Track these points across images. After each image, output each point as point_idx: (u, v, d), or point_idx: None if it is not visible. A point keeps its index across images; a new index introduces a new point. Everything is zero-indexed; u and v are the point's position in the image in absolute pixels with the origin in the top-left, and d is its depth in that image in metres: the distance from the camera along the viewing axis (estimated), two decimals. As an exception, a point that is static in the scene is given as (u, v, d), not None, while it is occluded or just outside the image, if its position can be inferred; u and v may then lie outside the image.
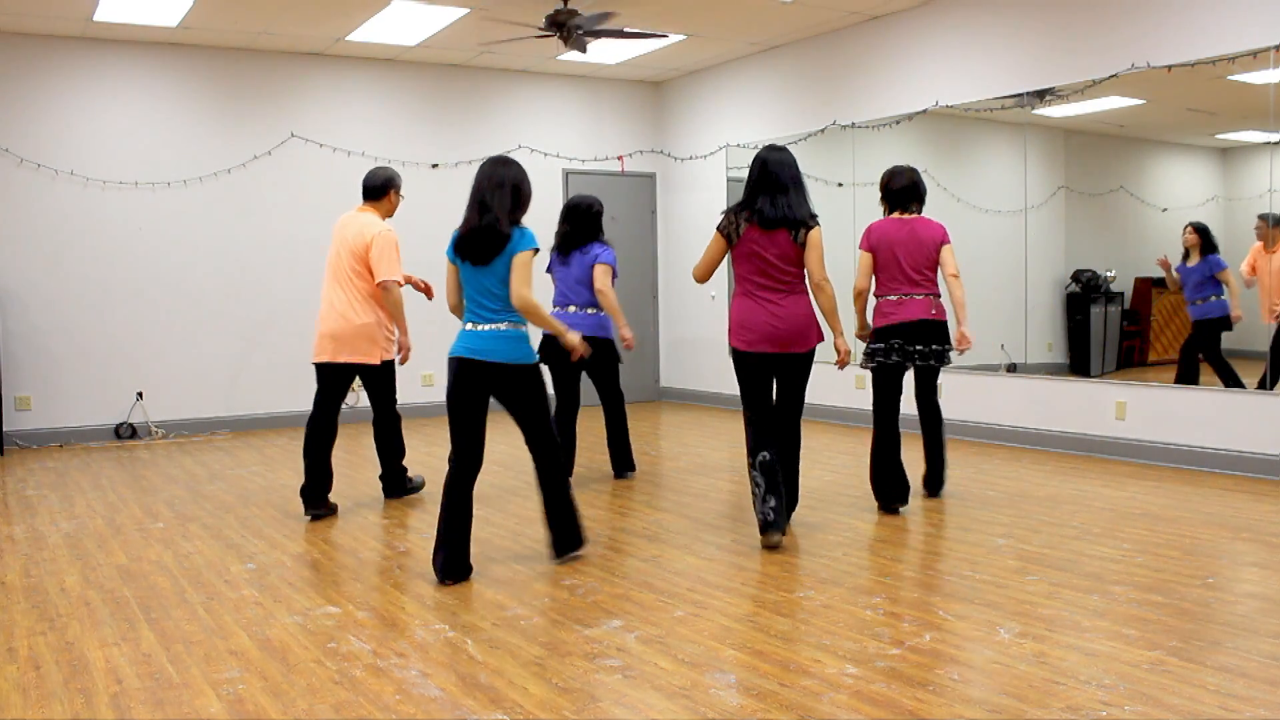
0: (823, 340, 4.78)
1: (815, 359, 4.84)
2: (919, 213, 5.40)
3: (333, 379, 5.50)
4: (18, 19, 7.64)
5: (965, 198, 7.92)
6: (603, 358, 6.00)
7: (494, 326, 4.19)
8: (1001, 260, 7.56)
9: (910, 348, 5.31)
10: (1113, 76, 6.60)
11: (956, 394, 7.72)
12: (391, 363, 5.61)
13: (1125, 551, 4.45)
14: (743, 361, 4.76)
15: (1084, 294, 7.29)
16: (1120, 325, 7.23)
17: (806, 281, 4.74)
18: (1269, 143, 6.03)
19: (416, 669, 3.24)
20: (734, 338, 4.76)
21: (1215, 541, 4.59)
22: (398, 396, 5.75)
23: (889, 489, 5.29)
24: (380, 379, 5.60)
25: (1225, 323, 6.54)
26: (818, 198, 9.21)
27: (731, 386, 9.73)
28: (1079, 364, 7.41)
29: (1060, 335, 7.44)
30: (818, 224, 4.73)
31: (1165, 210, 6.83)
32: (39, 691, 3.12)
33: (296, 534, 5.08)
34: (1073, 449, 6.91)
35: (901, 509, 5.30)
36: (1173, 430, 6.39)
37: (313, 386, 9.62)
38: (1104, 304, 7.22)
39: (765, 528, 4.60)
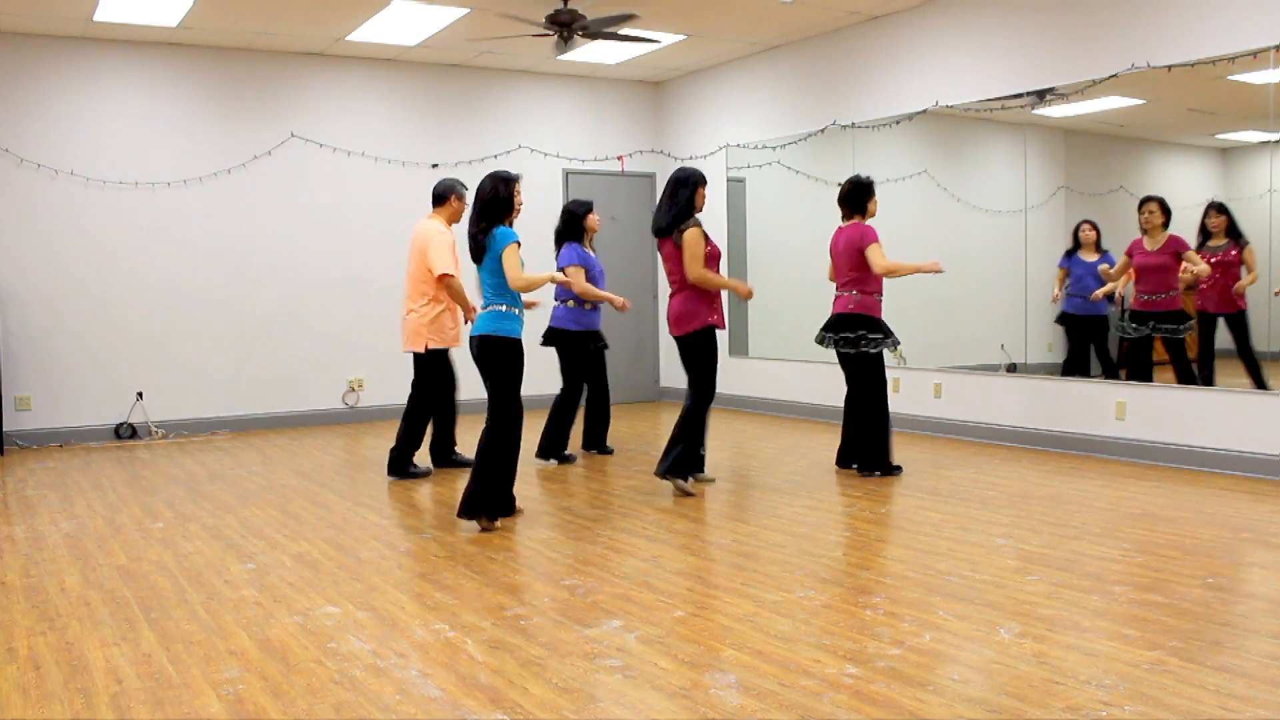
0: (696, 328, 5.63)
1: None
2: (850, 216, 6.25)
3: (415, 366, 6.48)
4: (18, 19, 7.64)
5: (965, 198, 7.92)
6: (580, 348, 6.83)
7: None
8: (1001, 260, 7.56)
9: (830, 335, 6.29)
10: (1113, 76, 6.60)
11: (957, 394, 7.73)
12: (438, 353, 6.38)
13: (1125, 551, 4.45)
14: None
15: (1084, 294, 7.30)
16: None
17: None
18: (1269, 143, 6.03)
19: (416, 669, 3.24)
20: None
21: (1215, 541, 4.60)
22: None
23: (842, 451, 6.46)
24: (422, 366, 6.39)
25: (1107, 319, 7.03)
26: (817, 198, 9.22)
27: (731, 386, 9.75)
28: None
29: (1060, 335, 7.43)
30: (690, 225, 5.63)
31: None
32: (39, 691, 3.12)
33: (296, 534, 5.08)
34: (1073, 449, 6.91)
35: (848, 469, 6.41)
36: (1173, 430, 6.40)
37: (313, 386, 9.77)
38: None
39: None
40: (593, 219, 6.87)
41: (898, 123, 8.05)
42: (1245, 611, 3.63)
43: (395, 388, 9.38)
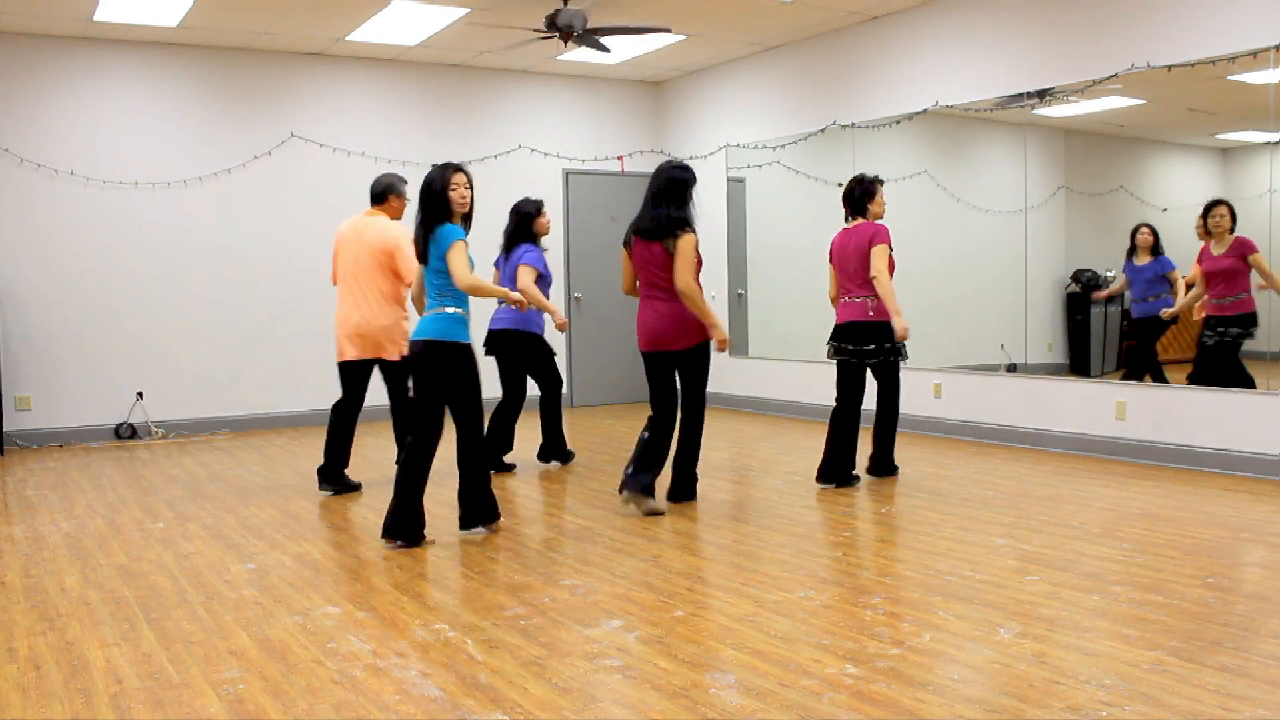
0: (700, 340, 5.30)
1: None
2: (852, 217, 5.92)
3: (356, 376, 5.96)
4: (18, 19, 7.64)
5: (965, 198, 7.92)
6: (529, 351, 6.40)
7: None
8: (1001, 260, 7.56)
9: (846, 346, 5.89)
10: (1113, 76, 6.60)
11: (957, 394, 7.73)
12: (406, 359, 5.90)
13: (1125, 551, 4.45)
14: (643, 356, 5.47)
15: (1084, 294, 7.30)
16: (1120, 325, 7.23)
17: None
18: (1269, 143, 6.03)
19: (416, 669, 3.24)
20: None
21: (1215, 541, 4.60)
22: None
23: (823, 467, 5.98)
24: (399, 374, 5.92)
25: (1170, 322, 6.75)
26: (817, 198, 9.22)
27: (730, 386, 9.75)
28: (1079, 364, 7.41)
29: (1060, 335, 7.44)
30: (686, 232, 5.19)
31: (1165, 210, 6.84)
32: (39, 691, 3.12)
33: (296, 534, 5.08)
34: (1073, 449, 6.91)
35: (825, 487, 5.93)
36: (1173, 430, 6.40)
37: (313, 386, 9.63)
38: (1104, 304, 7.22)
39: (621, 485, 5.39)
40: (542, 221, 6.38)
41: (898, 123, 8.05)
42: (1245, 611, 3.63)
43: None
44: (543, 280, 6.28)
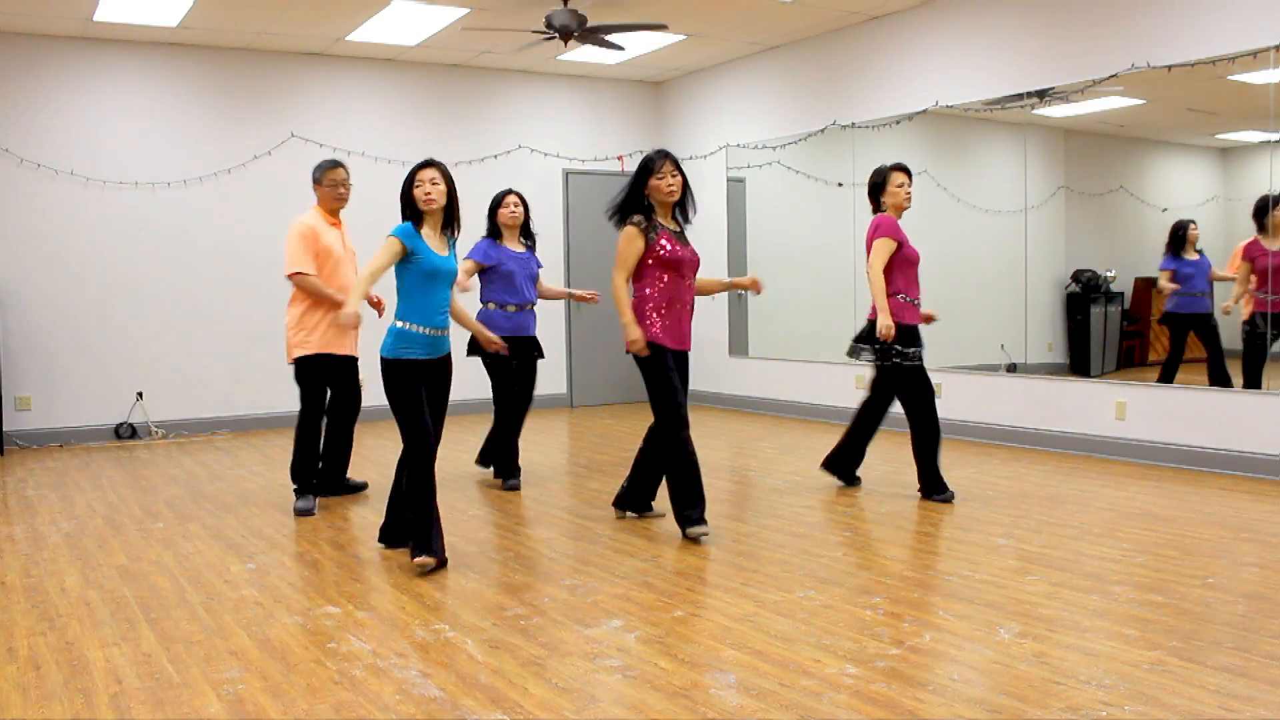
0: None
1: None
2: (874, 212, 5.63)
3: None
4: (18, 19, 7.64)
5: (965, 198, 7.92)
6: (484, 350, 5.85)
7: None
8: (1001, 260, 7.56)
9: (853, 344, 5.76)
10: (1113, 76, 6.60)
11: (957, 394, 7.73)
12: (301, 360, 5.70)
13: (1125, 551, 4.45)
14: None
15: (1084, 294, 7.30)
16: (1120, 325, 7.23)
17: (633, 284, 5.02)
18: (1269, 143, 6.03)
19: (416, 669, 3.24)
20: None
21: (1215, 541, 4.60)
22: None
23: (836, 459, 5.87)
24: (297, 379, 5.73)
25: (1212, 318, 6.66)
26: (817, 198, 9.22)
27: (730, 386, 9.75)
28: (1079, 364, 7.41)
29: (1060, 335, 7.44)
30: (624, 226, 4.96)
31: (1165, 210, 6.84)
32: (39, 691, 3.12)
33: (296, 534, 5.08)
34: (1073, 449, 6.91)
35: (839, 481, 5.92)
36: (1173, 430, 6.40)
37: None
38: (1104, 304, 7.22)
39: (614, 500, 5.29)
40: (504, 212, 6.05)
41: (898, 123, 8.05)
42: (1245, 611, 3.63)
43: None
44: (493, 272, 5.97)
